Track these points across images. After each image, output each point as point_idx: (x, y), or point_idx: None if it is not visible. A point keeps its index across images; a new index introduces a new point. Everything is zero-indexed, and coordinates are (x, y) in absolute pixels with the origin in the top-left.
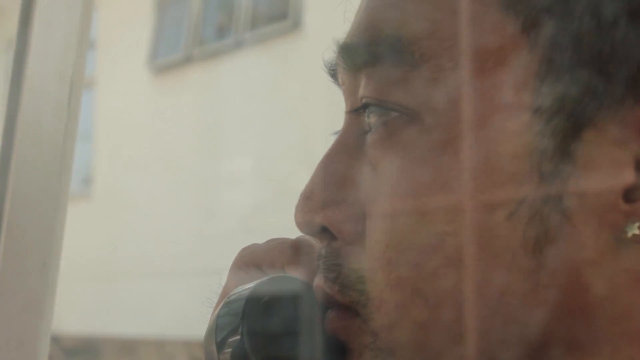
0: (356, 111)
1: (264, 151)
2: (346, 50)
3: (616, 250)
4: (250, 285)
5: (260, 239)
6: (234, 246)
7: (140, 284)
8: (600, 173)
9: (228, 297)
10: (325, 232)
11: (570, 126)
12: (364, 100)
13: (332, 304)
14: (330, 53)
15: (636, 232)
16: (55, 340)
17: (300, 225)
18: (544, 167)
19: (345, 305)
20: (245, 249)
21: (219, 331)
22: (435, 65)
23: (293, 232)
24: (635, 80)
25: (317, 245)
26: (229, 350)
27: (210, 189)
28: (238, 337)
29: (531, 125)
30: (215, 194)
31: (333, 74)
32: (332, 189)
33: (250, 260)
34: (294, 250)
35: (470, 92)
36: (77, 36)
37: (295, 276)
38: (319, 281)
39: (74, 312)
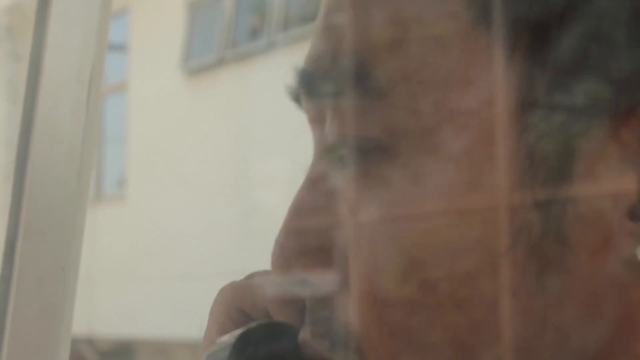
0: (325, 146)
1: (298, 152)
2: (306, 78)
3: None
4: (231, 338)
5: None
6: (270, 247)
7: (176, 285)
8: (601, 191)
9: (209, 353)
10: (306, 283)
11: (563, 141)
12: (332, 135)
13: (319, 358)
14: (290, 77)
15: None
16: (91, 342)
17: (278, 274)
18: (537, 183)
19: None
20: (224, 289)
21: None
22: (405, 91)
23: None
24: (631, 88)
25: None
26: None
27: (244, 191)
28: None
29: (523, 142)
30: (249, 196)
31: (296, 99)
32: (306, 234)
33: (232, 302)
34: (275, 290)
35: (447, 109)
36: (96, 36)
37: (280, 321)
38: (305, 336)
39: (109, 315)
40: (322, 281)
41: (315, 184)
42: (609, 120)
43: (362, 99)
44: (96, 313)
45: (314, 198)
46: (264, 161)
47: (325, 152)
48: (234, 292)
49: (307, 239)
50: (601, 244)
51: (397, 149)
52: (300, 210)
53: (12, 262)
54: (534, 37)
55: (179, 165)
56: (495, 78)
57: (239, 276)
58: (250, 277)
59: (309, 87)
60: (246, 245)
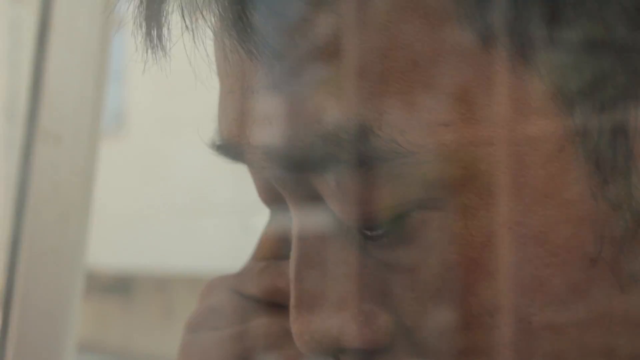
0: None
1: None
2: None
3: None
4: None
5: None
6: None
7: (174, 221)
8: None
9: None
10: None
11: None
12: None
13: None
14: None
15: None
16: (91, 276)
17: (307, 349)
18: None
19: None
20: (212, 279)
21: None
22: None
23: None
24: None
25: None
26: None
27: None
28: None
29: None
30: None
31: None
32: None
33: (221, 284)
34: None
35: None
36: None
37: None
38: None
39: (109, 250)
40: (375, 343)
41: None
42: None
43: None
44: (96, 246)
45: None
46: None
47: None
48: (223, 278)
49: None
50: None
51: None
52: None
53: (29, 168)
54: None
55: (181, 100)
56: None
57: (236, 212)
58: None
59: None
60: (244, 182)
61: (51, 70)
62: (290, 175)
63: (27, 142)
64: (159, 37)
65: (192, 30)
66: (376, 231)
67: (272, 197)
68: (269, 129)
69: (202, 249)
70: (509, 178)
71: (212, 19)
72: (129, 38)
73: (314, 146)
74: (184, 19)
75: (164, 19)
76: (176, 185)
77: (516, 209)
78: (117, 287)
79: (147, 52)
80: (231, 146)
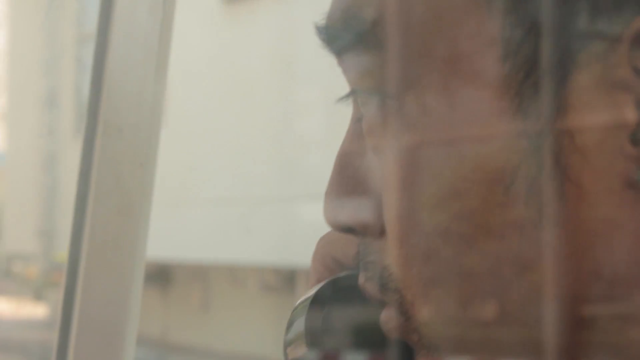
0: (350, 96)
1: (338, 80)
2: (323, 34)
3: (631, 200)
4: (311, 293)
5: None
6: (306, 175)
7: (213, 210)
8: (598, 117)
9: (293, 309)
10: (354, 231)
11: (552, 74)
12: (350, 87)
13: (379, 302)
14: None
15: None
16: None
17: (329, 225)
18: (528, 114)
19: (390, 303)
20: (321, 239)
21: (288, 348)
22: (402, 44)
23: None
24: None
25: None
26: None
27: (283, 118)
28: (307, 354)
29: (508, 85)
30: (288, 123)
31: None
32: (350, 185)
33: (327, 252)
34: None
35: (442, 61)
36: None
37: (355, 272)
38: (361, 280)
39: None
40: (364, 229)
41: (351, 134)
42: (600, 48)
43: (367, 52)
44: None
45: (351, 149)
46: (302, 89)
47: (347, 98)
48: (328, 241)
49: (348, 190)
50: (602, 172)
51: (403, 98)
52: (341, 161)
53: (91, 159)
54: None
55: (219, 91)
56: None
57: (276, 202)
58: None
59: (327, 43)
60: (283, 172)
61: (112, 63)
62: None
63: (89, 134)
64: None
65: None
66: None
67: None
68: None
69: (240, 239)
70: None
71: None
72: None
73: None
74: None
75: None
76: (214, 175)
77: None
78: (156, 277)
79: None
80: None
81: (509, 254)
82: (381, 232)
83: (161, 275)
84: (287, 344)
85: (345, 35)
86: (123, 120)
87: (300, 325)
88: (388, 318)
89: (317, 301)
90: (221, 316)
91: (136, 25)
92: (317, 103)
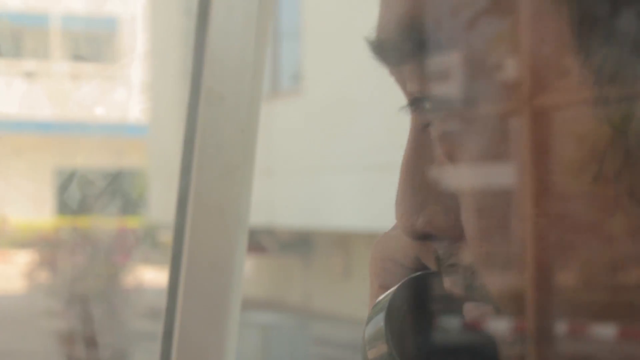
0: (410, 105)
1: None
2: (378, 49)
3: None
4: (387, 295)
5: None
6: None
7: (352, 177)
8: None
9: (370, 314)
10: (431, 237)
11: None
12: (413, 96)
13: (465, 300)
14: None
15: None
16: (270, 233)
17: (405, 234)
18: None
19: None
20: (377, 243)
21: (369, 350)
22: (467, 47)
23: None
24: None
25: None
26: None
27: None
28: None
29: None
30: None
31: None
32: (421, 192)
33: (385, 255)
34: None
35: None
36: None
37: (427, 272)
38: (447, 284)
39: (288, 206)
40: (442, 233)
41: (415, 142)
42: None
43: (432, 58)
44: (275, 205)
45: (417, 157)
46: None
47: (411, 107)
48: (386, 244)
49: (421, 197)
50: None
51: (476, 102)
52: (409, 169)
53: (195, 127)
54: None
55: (355, 59)
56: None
57: None
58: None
59: (384, 56)
60: None
61: (213, 33)
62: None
63: (192, 101)
64: None
65: None
66: None
67: None
68: None
69: (382, 206)
70: None
71: None
72: None
73: None
74: None
75: None
76: (356, 142)
77: None
78: (297, 245)
79: None
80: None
81: None
82: (459, 235)
83: (303, 243)
84: (367, 344)
85: (404, 46)
86: (224, 88)
87: (379, 325)
88: (471, 310)
89: (395, 301)
90: (363, 284)
91: (233, 22)
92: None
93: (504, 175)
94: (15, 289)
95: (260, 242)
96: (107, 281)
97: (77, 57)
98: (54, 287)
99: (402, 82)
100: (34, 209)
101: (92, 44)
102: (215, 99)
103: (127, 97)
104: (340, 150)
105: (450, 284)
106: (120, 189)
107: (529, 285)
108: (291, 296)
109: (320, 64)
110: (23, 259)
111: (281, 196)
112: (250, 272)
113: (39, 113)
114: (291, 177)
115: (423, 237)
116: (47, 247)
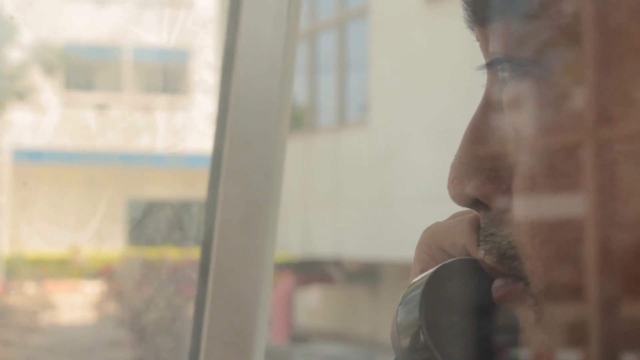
0: (488, 66)
1: None
2: (469, 5)
3: None
4: (424, 277)
5: None
6: None
7: (419, 208)
8: None
9: (405, 293)
10: (478, 203)
11: None
12: (493, 57)
13: (496, 275)
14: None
15: None
16: (337, 264)
17: (453, 198)
18: None
19: (507, 273)
20: (427, 230)
21: (401, 334)
22: (556, 12)
23: None
24: None
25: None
26: (413, 347)
27: None
28: (420, 336)
29: None
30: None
31: (471, 28)
32: (479, 157)
33: (433, 242)
34: (472, 228)
35: (595, 35)
36: None
37: (468, 257)
38: (480, 255)
39: (354, 238)
40: (489, 201)
41: (485, 106)
42: None
43: (518, 20)
44: (342, 235)
45: (484, 121)
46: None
47: (487, 67)
48: (435, 232)
49: (477, 162)
50: None
51: (553, 68)
52: (472, 132)
53: (219, 169)
54: None
55: (421, 89)
56: None
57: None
58: (453, 216)
59: (473, 13)
60: None
61: (238, 77)
62: None
63: (217, 144)
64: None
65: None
66: None
67: None
68: None
69: None
70: None
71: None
72: (371, 27)
73: None
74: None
75: None
76: (420, 173)
77: None
78: (365, 276)
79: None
80: None
81: None
82: (506, 206)
83: (370, 274)
84: (399, 329)
85: (496, 3)
86: (249, 130)
87: (413, 310)
88: (499, 287)
89: (430, 286)
90: None
91: (261, 39)
92: None
93: (570, 205)
94: (84, 319)
95: (327, 272)
96: (174, 312)
97: (149, 89)
98: (122, 318)
99: (484, 42)
100: (105, 239)
101: (163, 75)
102: (239, 142)
103: (197, 128)
104: (407, 182)
105: (483, 254)
106: (189, 220)
107: (595, 316)
108: (358, 328)
109: (387, 95)
110: (93, 289)
111: (348, 226)
112: (317, 303)
113: (111, 145)
114: (357, 207)
115: (470, 203)
116: (116, 277)
